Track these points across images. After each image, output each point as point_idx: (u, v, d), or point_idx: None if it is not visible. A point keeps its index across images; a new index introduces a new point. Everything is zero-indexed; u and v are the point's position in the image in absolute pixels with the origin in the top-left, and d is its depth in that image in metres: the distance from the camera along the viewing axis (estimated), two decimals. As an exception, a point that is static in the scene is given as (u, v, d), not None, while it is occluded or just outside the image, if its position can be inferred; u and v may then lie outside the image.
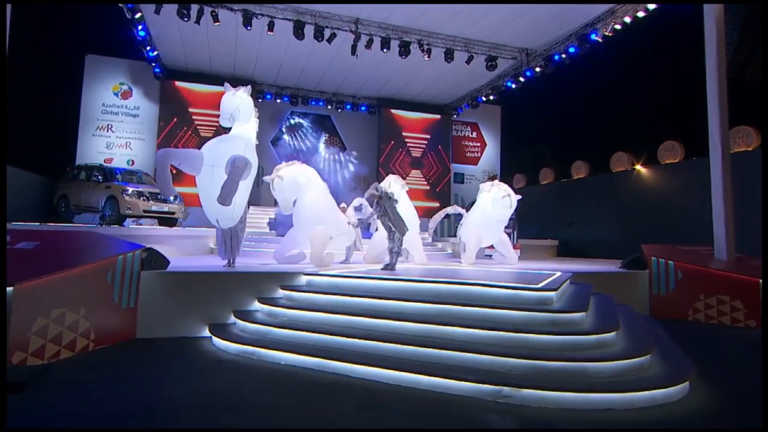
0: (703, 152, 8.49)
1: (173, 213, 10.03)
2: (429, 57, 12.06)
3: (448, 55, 12.13)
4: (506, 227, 11.70)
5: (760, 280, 6.58)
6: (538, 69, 12.44)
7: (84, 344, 4.34)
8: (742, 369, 4.48)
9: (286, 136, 16.52)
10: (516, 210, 11.82)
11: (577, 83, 14.24)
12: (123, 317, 4.87)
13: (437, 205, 17.24)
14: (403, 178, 16.69)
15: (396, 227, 6.40)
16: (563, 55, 11.71)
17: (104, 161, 13.83)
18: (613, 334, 3.96)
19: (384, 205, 6.40)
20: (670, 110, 12.13)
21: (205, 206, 6.34)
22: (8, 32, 5.72)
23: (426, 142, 17.35)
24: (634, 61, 12.85)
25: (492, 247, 9.84)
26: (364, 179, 17.32)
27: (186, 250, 9.64)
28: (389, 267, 6.25)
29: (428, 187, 17.33)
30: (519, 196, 9.00)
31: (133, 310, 5.00)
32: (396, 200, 6.53)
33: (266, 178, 7.43)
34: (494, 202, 8.87)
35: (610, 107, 14.15)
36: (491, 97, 15.07)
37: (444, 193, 17.55)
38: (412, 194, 16.30)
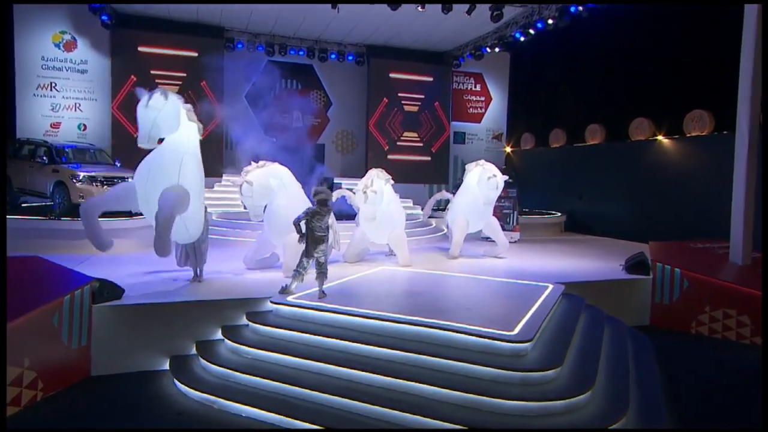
0: (735, 126, 8.46)
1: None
2: (423, 8, 11.61)
3: (446, 6, 11.66)
4: (506, 207, 11.94)
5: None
6: (550, 21, 12.01)
7: (31, 396, 4.66)
8: (728, 416, 4.86)
9: (261, 91, 16.18)
10: (517, 188, 12.02)
11: (596, 39, 13.77)
12: (75, 356, 5.17)
13: (428, 159, 17.25)
14: (397, 140, 16.80)
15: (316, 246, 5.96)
16: (580, 8, 11.28)
17: (51, 126, 13.71)
18: (586, 395, 4.27)
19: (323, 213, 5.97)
20: (700, 74, 11.85)
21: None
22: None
23: (422, 96, 17.03)
24: (661, 18, 12.37)
25: None
26: (349, 135, 17.24)
27: (148, 241, 9.78)
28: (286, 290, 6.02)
29: (422, 147, 17.22)
30: (506, 177, 9.24)
31: (85, 347, 5.30)
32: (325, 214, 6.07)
33: (233, 180, 7.48)
34: (479, 183, 9.10)
35: (632, 67, 13.79)
36: (497, 50, 14.63)
37: (442, 155, 17.49)
38: (406, 155, 16.50)
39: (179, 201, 5.84)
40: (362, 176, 16.55)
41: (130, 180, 9.58)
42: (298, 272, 6.08)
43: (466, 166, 9.62)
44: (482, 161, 9.43)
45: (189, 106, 6.20)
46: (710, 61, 11.57)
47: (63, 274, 5.57)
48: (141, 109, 5.82)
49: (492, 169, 9.08)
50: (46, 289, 5.13)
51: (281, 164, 7.86)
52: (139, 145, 5.96)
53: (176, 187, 5.94)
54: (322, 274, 6.02)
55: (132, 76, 13.94)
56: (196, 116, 6.23)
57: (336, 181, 15.67)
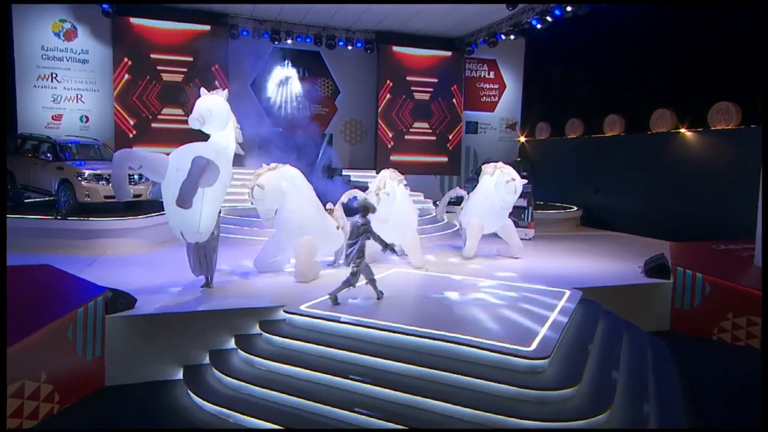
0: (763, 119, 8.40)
1: (140, 196, 10.27)
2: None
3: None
4: (521, 203, 11.96)
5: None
6: (569, 8, 11.89)
7: (48, 409, 4.85)
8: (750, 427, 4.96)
9: (266, 79, 16.18)
10: (532, 184, 12.01)
11: (617, 24, 13.59)
12: (89, 368, 5.35)
13: (445, 160, 17.32)
14: (408, 128, 16.81)
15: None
16: None
17: (52, 118, 13.86)
18: (604, 414, 4.38)
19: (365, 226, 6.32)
20: (727, 63, 11.67)
21: (169, 216, 6.68)
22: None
23: (433, 84, 16.98)
24: (686, 3, 12.16)
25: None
26: (358, 124, 17.28)
27: (156, 239, 10.03)
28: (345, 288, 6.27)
29: (434, 137, 17.22)
30: (524, 181, 9.27)
31: (99, 358, 5.47)
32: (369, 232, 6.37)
33: (243, 183, 7.59)
34: (497, 187, 9.14)
35: (654, 55, 13.58)
36: (512, 37, 14.52)
37: (454, 146, 17.47)
38: (416, 148, 16.54)
39: (211, 165, 6.31)
40: (372, 168, 16.84)
41: (135, 175, 9.83)
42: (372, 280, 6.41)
43: (483, 167, 9.63)
44: (500, 163, 9.44)
45: (238, 126, 6.92)
46: (738, 50, 11.38)
47: (75, 284, 5.73)
48: (202, 98, 6.57)
49: (511, 172, 9.09)
50: (59, 301, 5.29)
51: (292, 165, 7.97)
52: (189, 123, 6.51)
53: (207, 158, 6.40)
54: (348, 282, 6.24)
55: (125, 58, 13.95)
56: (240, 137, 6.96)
57: (344, 173, 15.80)
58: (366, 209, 6.38)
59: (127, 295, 5.81)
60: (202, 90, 6.76)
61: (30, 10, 13.52)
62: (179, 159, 6.39)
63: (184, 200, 6.06)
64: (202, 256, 6.85)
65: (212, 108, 6.48)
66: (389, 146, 16.86)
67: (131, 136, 14.16)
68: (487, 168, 9.50)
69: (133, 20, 13.92)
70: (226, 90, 6.85)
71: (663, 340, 7.11)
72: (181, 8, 14.13)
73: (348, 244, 6.36)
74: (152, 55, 14.26)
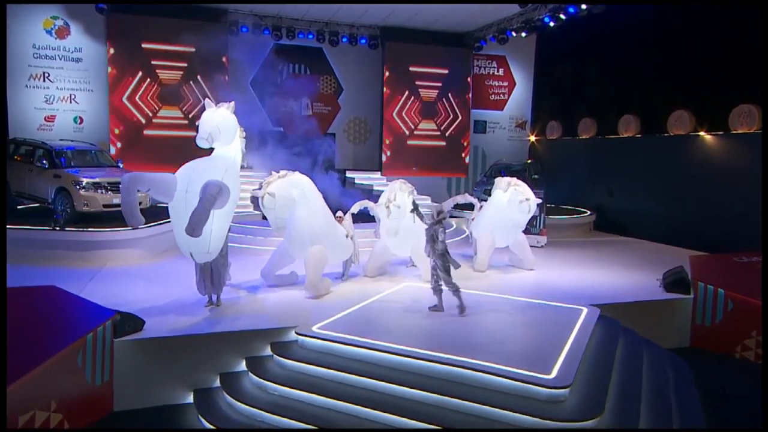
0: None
1: (140, 203, 10.32)
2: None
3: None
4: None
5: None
6: (584, 6, 11.92)
7: (59, 438, 4.97)
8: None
9: (267, 77, 16.21)
10: (544, 190, 12.06)
11: (633, 20, 13.60)
12: (98, 393, 5.46)
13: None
14: (413, 129, 16.86)
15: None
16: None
17: (45, 119, 13.90)
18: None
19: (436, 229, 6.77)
20: (750, 64, 11.65)
21: (178, 237, 6.73)
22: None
23: (440, 82, 17.02)
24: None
25: None
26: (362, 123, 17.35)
27: (158, 249, 10.15)
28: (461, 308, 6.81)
29: (443, 143, 17.29)
30: (539, 200, 9.40)
31: (108, 383, 5.58)
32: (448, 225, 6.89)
33: (253, 192, 7.69)
34: (510, 205, 9.22)
35: (672, 53, 13.59)
36: (523, 34, 14.57)
37: (461, 147, 17.53)
38: (423, 153, 16.60)
39: (223, 189, 6.30)
40: (376, 169, 16.89)
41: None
42: (438, 289, 6.85)
43: (496, 181, 9.71)
44: (514, 180, 9.50)
45: (244, 133, 6.99)
46: (761, 50, 11.38)
47: (83, 307, 5.82)
48: (209, 113, 6.58)
49: (525, 191, 9.15)
50: (68, 325, 5.39)
51: (292, 163, 8.07)
52: (197, 143, 6.60)
53: (219, 181, 6.39)
54: (453, 285, 6.77)
55: (108, 42, 13.94)
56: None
57: (348, 175, 15.92)
58: (441, 214, 6.87)
59: (135, 317, 5.91)
60: (207, 102, 6.76)
61: (21, 7, 13.50)
62: (189, 179, 6.38)
63: (195, 229, 6.03)
64: (208, 272, 6.93)
65: (220, 125, 6.48)
66: (390, 153, 16.87)
67: (113, 151, 13.96)
68: (500, 183, 9.54)
69: (129, 17, 13.90)
70: (233, 102, 6.83)
71: (683, 359, 7.20)
72: (179, 5, 14.12)
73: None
74: (147, 53, 14.28)
